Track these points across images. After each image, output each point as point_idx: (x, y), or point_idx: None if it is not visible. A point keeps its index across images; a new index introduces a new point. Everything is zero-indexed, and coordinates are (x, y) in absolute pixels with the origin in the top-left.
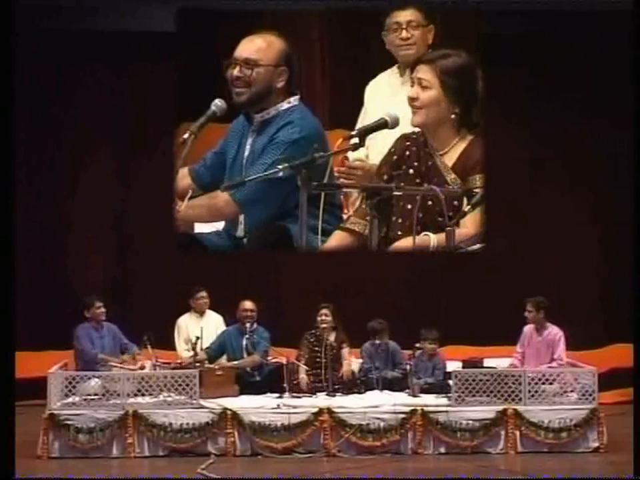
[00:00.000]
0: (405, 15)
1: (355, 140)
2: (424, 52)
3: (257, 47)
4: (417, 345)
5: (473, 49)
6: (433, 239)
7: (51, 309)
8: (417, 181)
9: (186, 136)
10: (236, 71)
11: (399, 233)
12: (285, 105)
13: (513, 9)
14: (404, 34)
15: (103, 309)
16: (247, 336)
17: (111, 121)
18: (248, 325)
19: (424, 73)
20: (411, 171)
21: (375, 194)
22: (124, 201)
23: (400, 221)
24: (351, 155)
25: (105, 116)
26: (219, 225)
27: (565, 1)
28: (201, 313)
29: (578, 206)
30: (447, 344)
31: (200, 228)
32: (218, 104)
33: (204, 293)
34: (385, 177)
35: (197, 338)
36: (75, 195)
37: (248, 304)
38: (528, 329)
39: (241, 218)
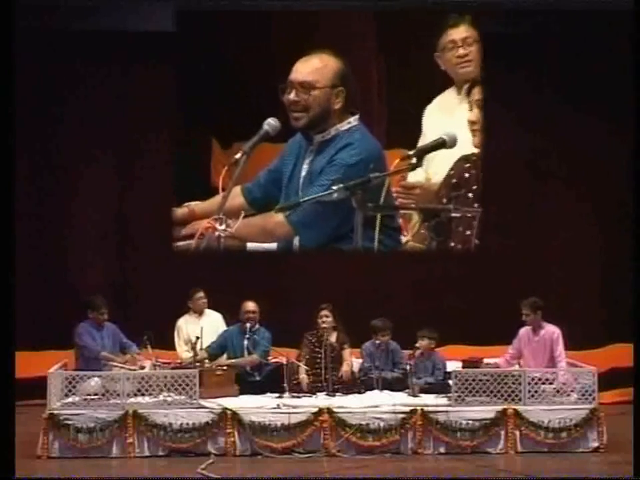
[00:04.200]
0: (459, 32)
1: (413, 160)
2: (479, 70)
3: (313, 68)
4: (416, 344)
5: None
6: None
7: (51, 308)
8: (476, 205)
9: (238, 156)
10: (292, 95)
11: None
12: (345, 126)
13: (514, 9)
14: (461, 51)
15: (106, 315)
16: (248, 336)
17: (111, 120)
18: (249, 325)
19: (481, 94)
20: (470, 194)
21: (434, 215)
22: (124, 201)
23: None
24: (411, 176)
25: (105, 116)
26: (273, 246)
27: (565, 1)
28: (200, 313)
29: (578, 205)
30: (447, 344)
31: (252, 247)
32: (272, 123)
33: (201, 294)
34: (444, 200)
35: (197, 338)
36: (75, 195)
37: (250, 305)
38: (524, 330)
39: (296, 240)
